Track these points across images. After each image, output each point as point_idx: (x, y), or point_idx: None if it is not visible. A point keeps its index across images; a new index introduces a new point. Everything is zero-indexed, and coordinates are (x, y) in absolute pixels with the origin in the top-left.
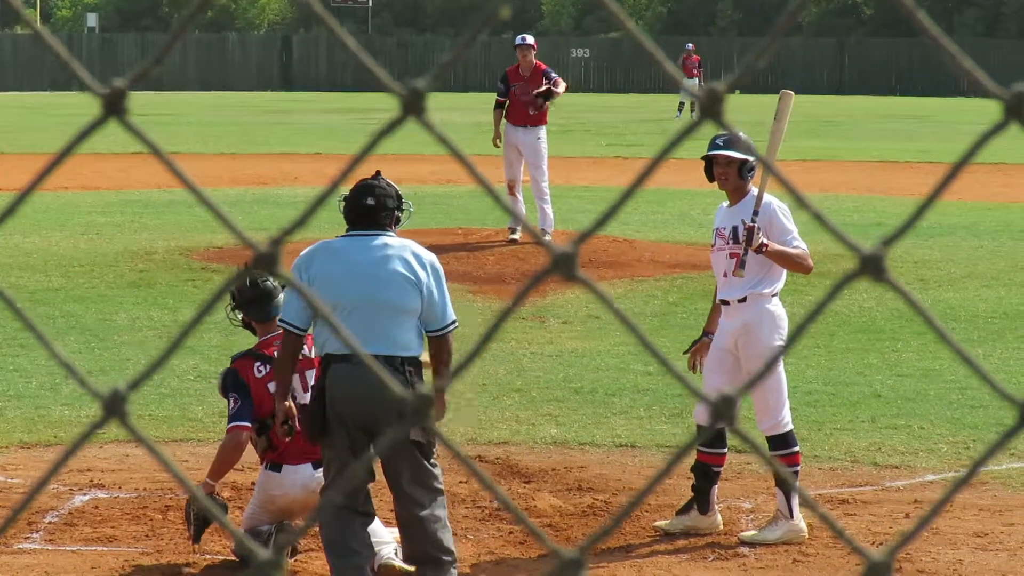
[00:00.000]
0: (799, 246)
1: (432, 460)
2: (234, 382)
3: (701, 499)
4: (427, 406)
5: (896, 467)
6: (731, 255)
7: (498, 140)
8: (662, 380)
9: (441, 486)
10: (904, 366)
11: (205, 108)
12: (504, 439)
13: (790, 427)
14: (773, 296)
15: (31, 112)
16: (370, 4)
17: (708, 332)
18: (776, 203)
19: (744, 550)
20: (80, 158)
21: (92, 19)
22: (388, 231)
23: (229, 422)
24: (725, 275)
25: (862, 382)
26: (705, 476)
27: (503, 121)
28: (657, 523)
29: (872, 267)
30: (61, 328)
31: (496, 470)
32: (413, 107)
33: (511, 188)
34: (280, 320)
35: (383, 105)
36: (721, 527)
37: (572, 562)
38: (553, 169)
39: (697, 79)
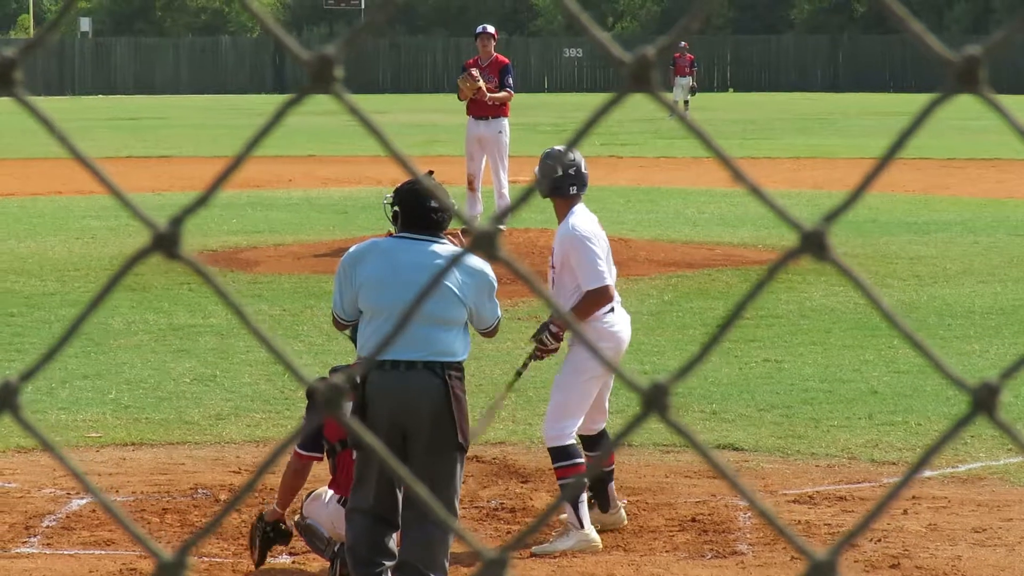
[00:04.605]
0: (585, 286)
1: (459, 479)
2: (309, 404)
3: (601, 499)
4: (339, 396)
5: (893, 463)
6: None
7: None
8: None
9: (457, 507)
10: (901, 362)
11: (198, 111)
12: (501, 439)
13: (571, 441)
14: (606, 314)
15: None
16: (362, 6)
17: None
18: (576, 232)
19: (742, 548)
20: (74, 162)
21: (85, 23)
22: (440, 237)
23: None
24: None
25: (859, 379)
26: (599, 479)
27: (468, 118)
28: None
29: (814, 244)
30: (57, 332)
31: (493, 470)
32: (321, 75)
33: (471, 183)
34: (334, 314)
35: (377, 107)
36: (625, 521)
37: (495, 562)
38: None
39: (690, 78)
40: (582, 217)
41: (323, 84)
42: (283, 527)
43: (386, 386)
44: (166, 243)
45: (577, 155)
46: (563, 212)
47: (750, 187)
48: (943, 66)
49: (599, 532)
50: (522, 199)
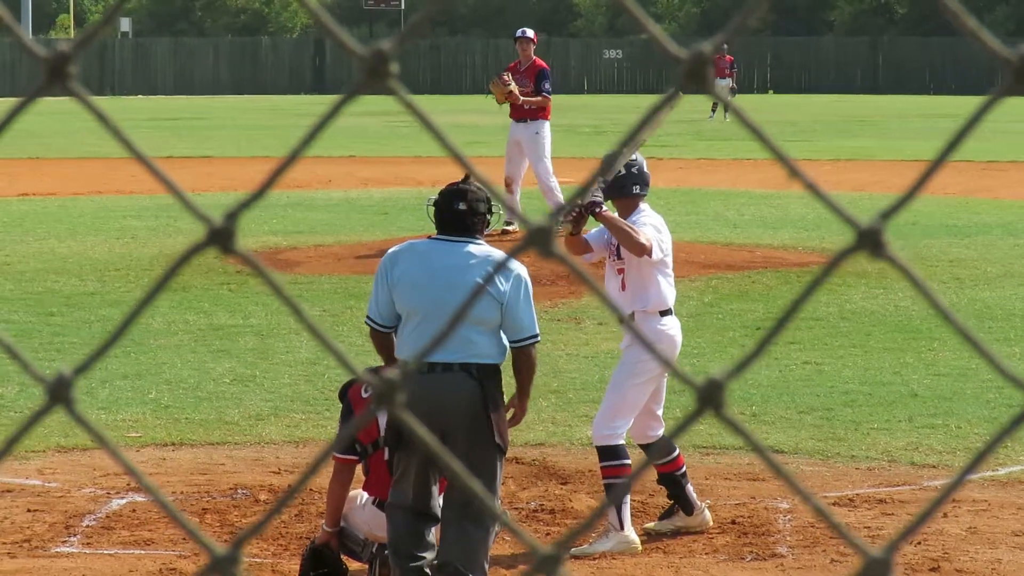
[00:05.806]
0: (644, 232)
1: (499, 479)
2: (344, 408)
3: (683, 503)
4: (391, 391)
5: (934, 466)
6: (618, 271)
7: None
8: (697, 379)
9: (496, 508)
10: (941, 365)
11: (238, 112)
12: (540, 440)
13: (621, 441)
14: (663, 315)
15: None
16: (403, 7)
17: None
18: (648, 217)
19: (782, 550)
20: (114, 162)
21: (126, 23)
22: (476, 238)
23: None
24: (623, 287)
25: (899, 381)
26: (674, 483)
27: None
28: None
29: (869, 241)
30: (97, 332)
31: (533, 471)
32: (377, 71)
33: (509, 185)
34: (367, 318)
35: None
36: (711, 522)
37: (549, 558)
38: (587, 170)
39: (730, 80)
40: (651, 214)
41: (379, 79)
42: (331, 553)
43: (422, 389)
44: (221, 238)
45: (639, 156)
46: (627, 213)
47: (806, 183)
48: (1000, 64)
49: (685, 535)
50: (576, 196)
